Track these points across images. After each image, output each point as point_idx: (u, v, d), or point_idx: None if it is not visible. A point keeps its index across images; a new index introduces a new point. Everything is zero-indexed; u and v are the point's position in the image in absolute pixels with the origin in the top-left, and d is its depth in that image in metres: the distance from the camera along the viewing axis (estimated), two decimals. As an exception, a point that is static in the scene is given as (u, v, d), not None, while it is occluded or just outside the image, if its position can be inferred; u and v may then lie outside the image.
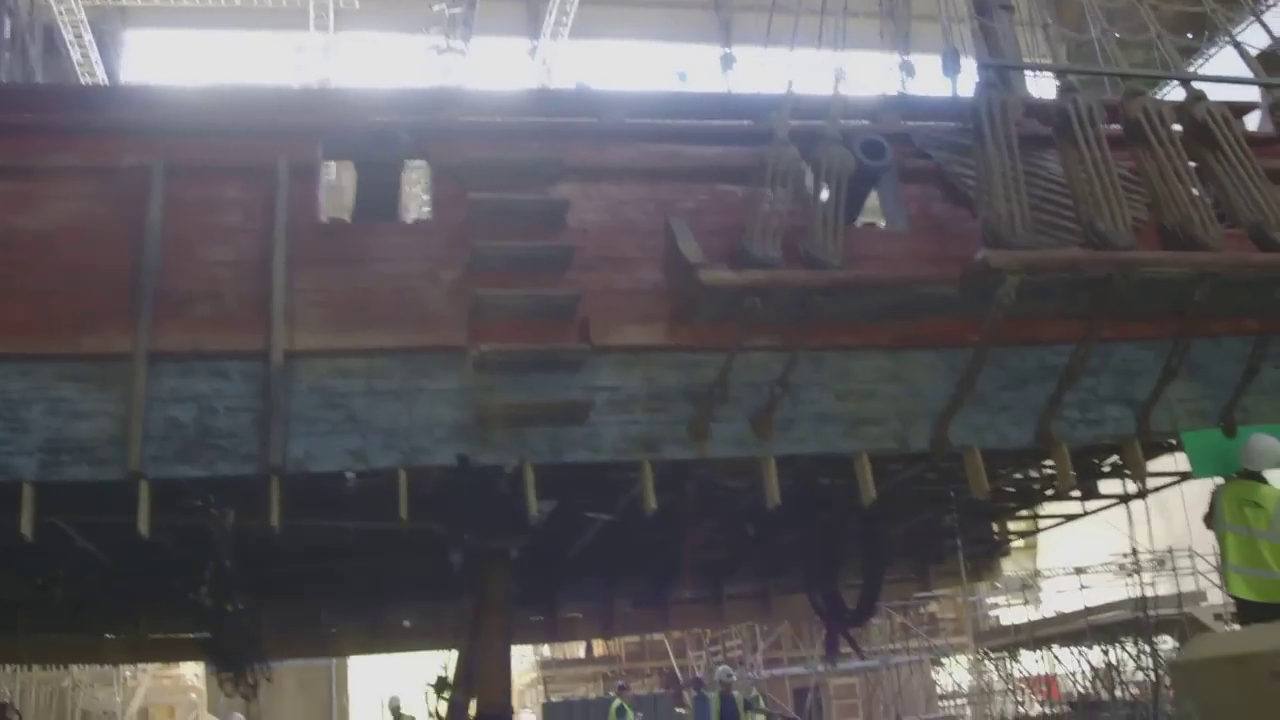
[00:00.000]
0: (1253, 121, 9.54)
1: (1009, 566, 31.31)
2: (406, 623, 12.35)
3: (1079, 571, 25.98)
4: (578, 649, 31.84)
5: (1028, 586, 28.41)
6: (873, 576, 11.43)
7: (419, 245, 7.50)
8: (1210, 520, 8.09)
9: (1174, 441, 8.42)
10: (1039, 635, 26.42)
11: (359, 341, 6.97)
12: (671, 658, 27.05)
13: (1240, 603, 7.88)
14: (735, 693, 16.39)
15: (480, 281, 7.09)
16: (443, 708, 9.34)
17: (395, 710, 18.83)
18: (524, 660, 33.50)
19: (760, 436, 7.25)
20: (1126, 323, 7.95)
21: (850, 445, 7.39)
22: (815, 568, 11.87)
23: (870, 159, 7.72)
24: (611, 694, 22.73)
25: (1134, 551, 23.59)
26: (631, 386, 7.23)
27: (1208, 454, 8.07)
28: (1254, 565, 7.78)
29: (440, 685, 9.74)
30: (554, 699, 28.93)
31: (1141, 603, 23.33)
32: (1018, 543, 21.20)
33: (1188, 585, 25.49)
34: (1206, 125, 8.29)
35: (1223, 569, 8.13)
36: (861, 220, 8.92)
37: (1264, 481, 8.01)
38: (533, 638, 14.31)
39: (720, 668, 17.25)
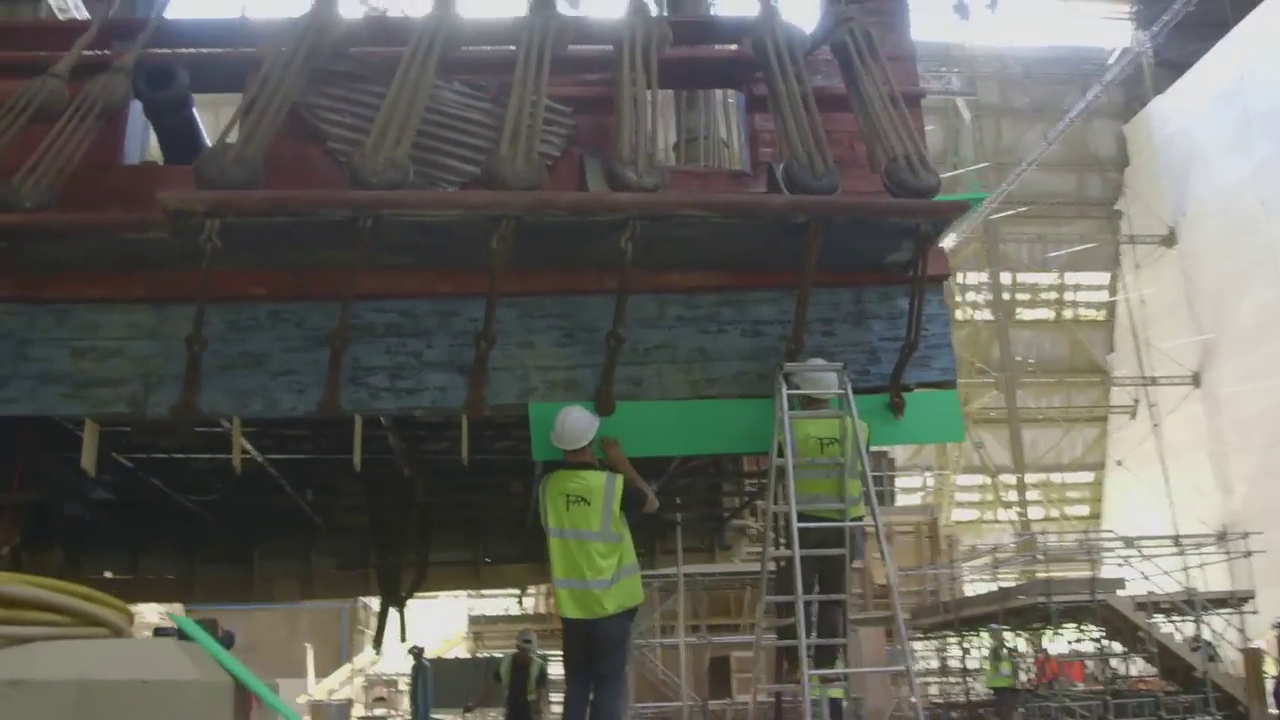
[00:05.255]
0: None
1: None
2: None
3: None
4: (509, 605, 31.42)
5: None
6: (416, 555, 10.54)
7: None
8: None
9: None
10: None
11: None
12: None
13: (567, 623, 6.57)
14: (532, 657, 15.56)
15: None
16: None
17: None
18: (458, 615, 33.06)
19: (-38, 397, 6.48)
20: (464, 275, 6.84)
21: (73, 408, 6.54)
22: (378, 542, 11.00)
23: (154, 89, 6.76)
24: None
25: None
26: None
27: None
28: (577, 575, 6.49)
29: None
30: (479, 655, 28.57)
31: (1046, 588, 21.59)
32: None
33: (1112, 571, 23.60)
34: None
35: (554, 587, 6.76)
36: None
37: (591, 467, 6.67)
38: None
39: (525, 631, 16.36)
